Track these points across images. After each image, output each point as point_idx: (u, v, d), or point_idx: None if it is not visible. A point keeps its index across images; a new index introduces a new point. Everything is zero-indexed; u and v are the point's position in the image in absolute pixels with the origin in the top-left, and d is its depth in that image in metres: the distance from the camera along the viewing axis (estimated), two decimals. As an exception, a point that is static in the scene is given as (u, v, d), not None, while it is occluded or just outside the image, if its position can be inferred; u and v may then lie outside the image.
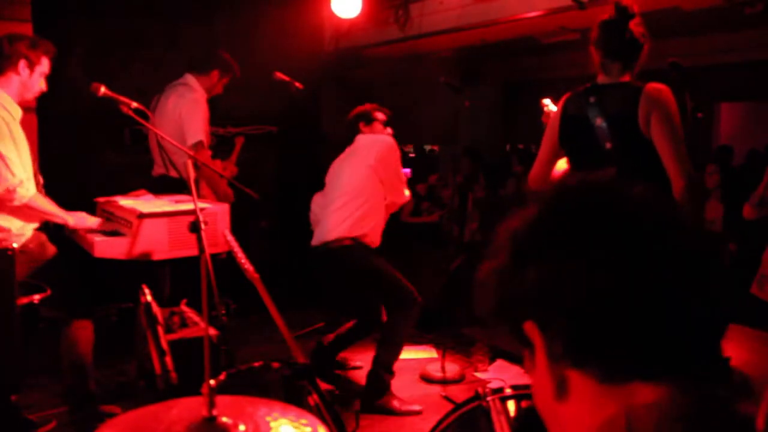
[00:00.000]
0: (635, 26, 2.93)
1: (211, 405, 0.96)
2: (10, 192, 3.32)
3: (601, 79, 3.01)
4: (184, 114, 4.47)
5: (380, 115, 4.60)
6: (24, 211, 3.45)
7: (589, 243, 0.77)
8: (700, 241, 0.79)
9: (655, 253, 0.75)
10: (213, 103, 4.81)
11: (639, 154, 2.87)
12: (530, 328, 0.81)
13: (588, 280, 0.75)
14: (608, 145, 2.93)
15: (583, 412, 0.78)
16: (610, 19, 2.96)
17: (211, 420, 0.96)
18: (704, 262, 0.77)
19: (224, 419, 0.97)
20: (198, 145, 4.35)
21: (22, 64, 3.44)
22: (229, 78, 4.77)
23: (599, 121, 2.96)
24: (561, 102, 3.16)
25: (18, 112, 3.48)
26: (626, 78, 2.97)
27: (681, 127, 2.84)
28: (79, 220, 3.61)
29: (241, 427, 0.95)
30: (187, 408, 1.02)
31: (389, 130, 4.60)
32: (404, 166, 4.59)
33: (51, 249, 3.59)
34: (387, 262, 4.20)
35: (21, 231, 3.47)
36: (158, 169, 4.61)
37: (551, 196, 0.83)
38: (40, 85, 3.54)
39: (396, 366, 4.12)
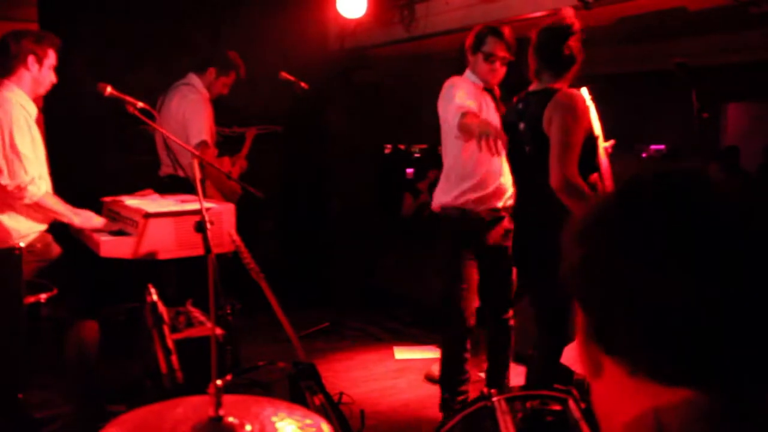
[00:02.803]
0: (574, 42, 3.06)
1: (218, 405, 0.95)
2: (21, 189, 3.35)
3: (533, 86, 3.15)
4: (187, 115, 4.49)
5: (493, 44, 3.54)
6: (33, 210, 3.47)
7: (631, 236, 0.73)
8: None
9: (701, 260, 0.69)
10: (218, 102, 4.81)
11: (547, 155, 2.98)
12: (577, 304, 0.80)
13: (621, 273, 0.72)
14: (527, 149, 3.09)
15: (616, 400, 0.77)
16: (552, 31, 3.08)
17: (218, 420, 0.96)
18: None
19: (230, 419, 0.97)
20: (201, 146, 4.36)
21: (30, 59, 3.47)
22: (231, 78, 4.75)
23: (522, 126, 3.12)
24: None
25: (34, 111, 3.51)
26: (553, 85, 3.08)
27: (574, 134, 2.94)
28: (84, 219, 3.64)
29: (248, 427, 0.95)
30: (193, 407, 1.02)
31: (489, 69, 3.57)
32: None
33: (56, 249, 3.61)
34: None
35: (28, 231, 3.48)
36: (166, 169, 4.64)
37: (619, 188, 0.80)
38: (50, 78, 3.57)
39: (400, 366, 4.12)
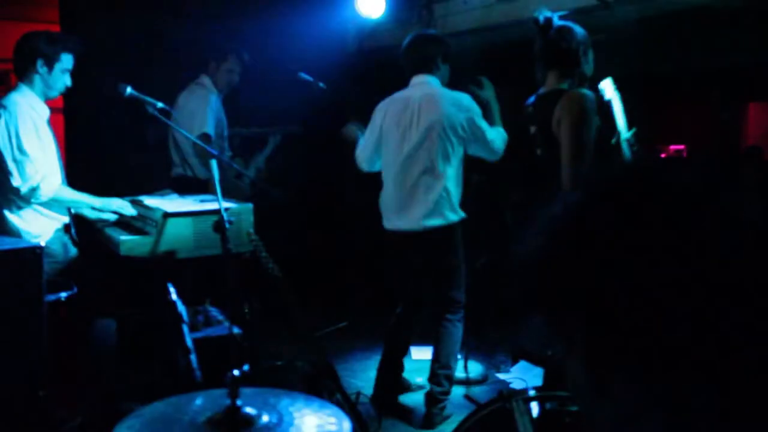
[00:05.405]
0: (568, 39, 3.04)
1: (235, 395, 0.95)
2: (34, 190, 3.38)
3: (542, 89, 3.12)
4: (192, 109, 4.56)
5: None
6: (45, 210, 3.50)
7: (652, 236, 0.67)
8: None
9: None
10: (236, 103, 4.84)
11: (558, 158, 2.96)
12: (575, 319, 0.72)
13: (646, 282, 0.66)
14: (538, 152, 3.02)
15: (621, 416, 0.71)
16: (556, 32, 3.09)
17: (235, 409, 0.95)
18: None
19: (248, 409, 0.97)
20: (204, 137, 4.38)
21: (39, 62, 3.47)
22: (231, 62, 4.77)
23: (533, 129, 3.10)
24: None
25: (45, 112, 3.53)
26: (562, 87, 3.05)
27: (583, 134, 2.90)
28: (105, 202, 3.68)
29: (265, 417, 0.95)
30: (211, 399, 1.02)
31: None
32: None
33: (73, 250, 3.64)
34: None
35: (40, 232, 3.51)
36: (176, 169, 4.69)
37: (600, 182, 0.75)
38: (63, 81, 3.56)
39: (416, 365, 4.10)
